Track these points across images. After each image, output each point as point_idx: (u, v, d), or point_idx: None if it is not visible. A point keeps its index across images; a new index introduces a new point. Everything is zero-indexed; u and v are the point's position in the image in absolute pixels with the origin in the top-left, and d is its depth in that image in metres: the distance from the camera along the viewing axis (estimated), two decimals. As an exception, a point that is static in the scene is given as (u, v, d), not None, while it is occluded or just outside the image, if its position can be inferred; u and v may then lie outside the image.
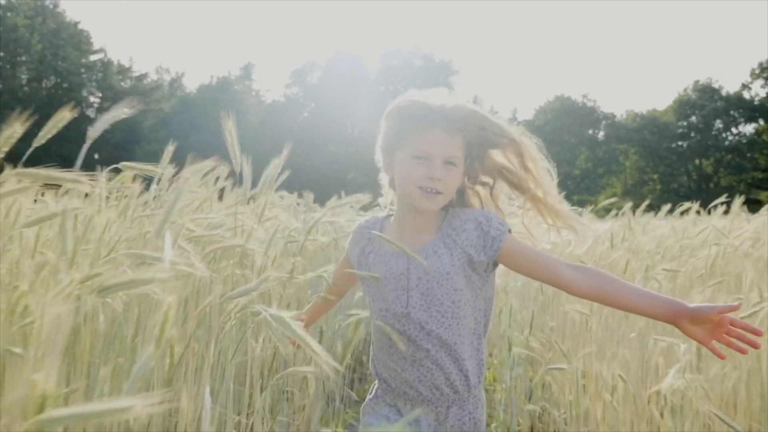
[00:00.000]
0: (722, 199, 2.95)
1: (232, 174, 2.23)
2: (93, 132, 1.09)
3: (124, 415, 0.43)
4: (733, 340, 0.94)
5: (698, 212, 3.10)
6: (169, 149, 1.80)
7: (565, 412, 1.69)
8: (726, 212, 3.15)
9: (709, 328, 0.95)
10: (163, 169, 1.34)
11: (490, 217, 1.10)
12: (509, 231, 1.10)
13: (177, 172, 1.83)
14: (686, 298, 1.60)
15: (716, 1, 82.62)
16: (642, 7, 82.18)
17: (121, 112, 1.03)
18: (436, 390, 1.08)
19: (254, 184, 1.74)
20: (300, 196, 3.37)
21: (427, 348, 1.08)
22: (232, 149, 1.34)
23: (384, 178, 1.20)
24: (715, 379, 1.23)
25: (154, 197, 1.82)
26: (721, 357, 0.98)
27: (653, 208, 3.83)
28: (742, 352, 0.94)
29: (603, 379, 1.43)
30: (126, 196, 1.28)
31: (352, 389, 2.64)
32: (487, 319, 1.14)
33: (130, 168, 1.18)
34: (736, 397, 1.26)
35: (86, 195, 1.23)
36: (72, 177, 0.75)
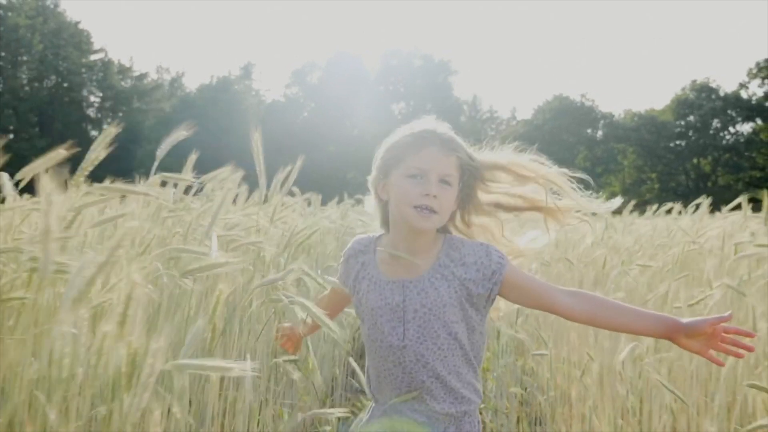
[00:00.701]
0: (702, 200, 3.11)
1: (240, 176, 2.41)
2: (160, 152, 1.28)
3: (227, 373, 0.61)
4: (729, 347, 0.99)
5: (680, 212, 3.28)
6: (192, 158, 1.99)
7: (545, 396, 1.87)
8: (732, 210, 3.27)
9: (704, 339, 1.00)
10: (190, 177, 1.51)
11: (490, 251, 1.10)
12: (508, 263, 1.10)
13: (197, 178, 2.01)
14: (656, 290, 1.79)
15: (714, 1, 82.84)
16: (640, 7, 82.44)
17: (179, 135, 1.24)
18: (430, 417, 1.09)
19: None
20: (300, 195, 3.56)
21: (422, 379, 1.08)
22: (258, 159, 1.52)
23: (371, 203, 1.20)
24: (674, 357, 1.42)
25: (175, 201, 2.01)
26: (720, 365, 1.02)
27: (647, 206, 3.97)
28: (739, 356, 1.00)
29: (576, 362, 1.61)
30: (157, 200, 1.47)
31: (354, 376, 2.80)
32: (481, 352, 1.14)
33: (169, 178, 1.36)
34: (692, 375, 1.44)
35: (123, 197, 1.39)
36: (142, 190, 0.93)
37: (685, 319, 1.03)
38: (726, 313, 1.00)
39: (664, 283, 1.75)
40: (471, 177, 1.13)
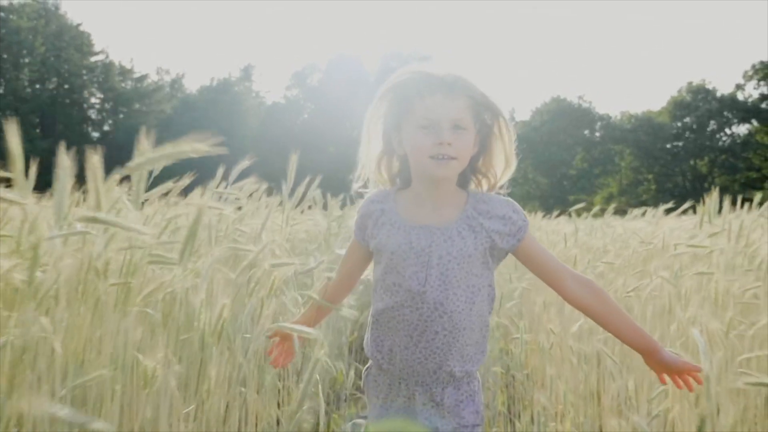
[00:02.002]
0: (679, 203, 3.41)
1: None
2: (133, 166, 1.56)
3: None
4: (680, 381, 1.08)
5: (652, 214, 3.61)
6: (220, 171, 2.29)
7: (521, 373, 2.21)
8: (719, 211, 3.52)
9: (668, 371, 1.08)
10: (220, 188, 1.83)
11: (516, 208, 1.10)
12: (528, 224, 1.11)
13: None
14: (614, 282, 2.12)
15: (710, 3, 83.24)
16: (636, 10, 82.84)
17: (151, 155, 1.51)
18: (434, 373, 1.07)
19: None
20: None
21: (436, 330, 1.06)
22: (290, 176, 1.75)
23: (368, 155, 1.15)
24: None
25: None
26: (663, 381, 1.10)
27: (643, 205, 4.23)
28: (690, 388, 1.09)
29: (541, 341, 1.94)
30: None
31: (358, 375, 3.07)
32: (491, 309, 1.14)
33: (219, 192, 1.65)
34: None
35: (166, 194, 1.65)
36: (215, 204, 1.26)
37: (666, 351, 1.09)
38: (698, 366, 1.08)
39: (620, 276, 2.08)
40: (490, 113, 1.10)
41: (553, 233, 3.26)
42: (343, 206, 3.73)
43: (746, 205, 2.68)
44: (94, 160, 0.94)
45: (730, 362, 1.25)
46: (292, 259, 1.25)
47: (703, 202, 1.93)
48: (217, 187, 1.82)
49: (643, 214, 3.83)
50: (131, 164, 0.96)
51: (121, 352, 0.93)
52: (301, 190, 2.09)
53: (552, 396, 1.79)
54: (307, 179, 2.08)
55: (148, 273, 1.11)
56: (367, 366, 1.17)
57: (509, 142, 1.13)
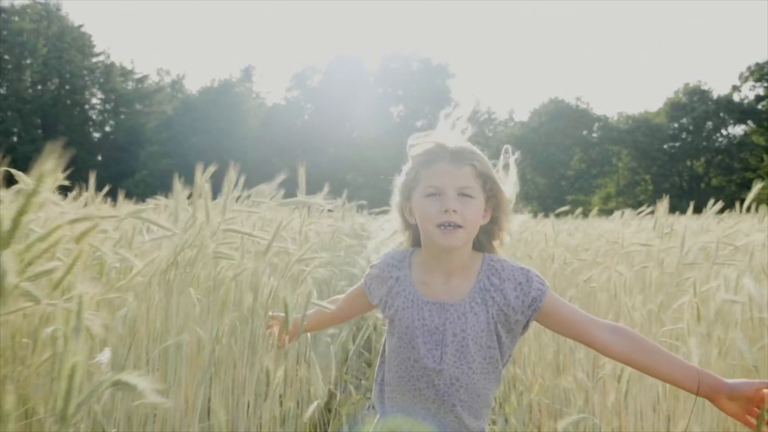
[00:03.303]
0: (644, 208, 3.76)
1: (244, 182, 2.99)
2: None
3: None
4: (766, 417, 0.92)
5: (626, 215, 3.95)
6: (232, 175, 2.62)
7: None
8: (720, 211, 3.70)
9: (744, 402, 0.94)
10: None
11: (531, 277, 1.06)
12: (548, 290, 1.07)
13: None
14: (581, 274, 2.46)
15: (706, 5, 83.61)
16: (633, 13, 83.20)
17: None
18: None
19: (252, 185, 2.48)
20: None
21: (454, 403, 1.06)
22: (301, 185, 2.07)
23: (395, 221, 1.17)
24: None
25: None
26: (754, 429, 0.94)
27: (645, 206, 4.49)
28: None
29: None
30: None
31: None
32: (504, 370, 1.12)
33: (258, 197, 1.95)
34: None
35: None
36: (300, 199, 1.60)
37: (729, 380, 0.96)
38: None
39: (588, 269, 2.43)
40: (494, 185, 1.08)
41: (538, 233, 3.61)
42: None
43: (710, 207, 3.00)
44: (231, 175, 1.28)
45: (658, 335, 1.59)
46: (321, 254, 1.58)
47: (657, 206, 2.28)
48: (232, 191, 2.15)
49: (622, 215, 4.17)
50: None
51: (196, 322, 1.29)
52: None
53: (526, 369, 2.13)
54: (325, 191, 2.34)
55: (215, 264, 1.47)
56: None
57: (507, 211, 1.12)
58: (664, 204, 2.20)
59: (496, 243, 1.13)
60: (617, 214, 4.31)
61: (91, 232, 0.91)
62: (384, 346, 1.16)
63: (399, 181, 1.13)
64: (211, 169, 1.78)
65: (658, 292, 1.72)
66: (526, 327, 1.08)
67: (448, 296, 1.07)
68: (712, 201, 2.60)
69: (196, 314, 1.31)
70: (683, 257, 1.79)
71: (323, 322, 1.35)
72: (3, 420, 0.63)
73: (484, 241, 1.12)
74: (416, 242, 1.15)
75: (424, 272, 1.10)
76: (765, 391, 0.93)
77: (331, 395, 2.36)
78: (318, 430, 2.14)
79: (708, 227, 2.61)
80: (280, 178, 2.12)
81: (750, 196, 2.37)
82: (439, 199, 1.03)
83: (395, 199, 1.14)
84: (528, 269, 1.08)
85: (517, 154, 1.15)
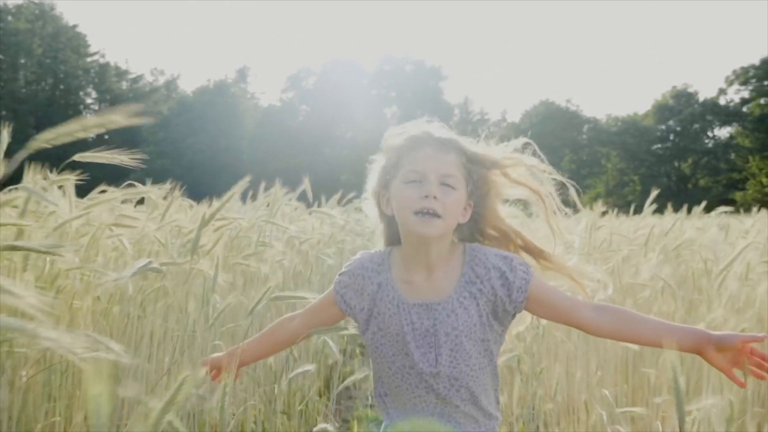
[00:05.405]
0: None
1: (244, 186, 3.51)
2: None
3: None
4: (752, 368, 0.94)
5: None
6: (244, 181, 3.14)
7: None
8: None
9: (731, 355, 0.94)
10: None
11: (514, 265, 1.03)
12: (532, 276, 1.03)
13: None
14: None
15: (693, 9, 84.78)
16: (623, 18, 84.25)
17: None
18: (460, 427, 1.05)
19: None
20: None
21: (457, 404, 1.03)
22: (308, 189, 2.59)
23: (372, 214, 1.12)
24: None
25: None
26: (742, 386, 0.96)
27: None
28: (761, 377, 0.95)
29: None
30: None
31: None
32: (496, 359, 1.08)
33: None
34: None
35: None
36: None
37: (716, 332, 0.97)
38: (761, 334, 0.96)
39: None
40: (480, 179, 1.05)
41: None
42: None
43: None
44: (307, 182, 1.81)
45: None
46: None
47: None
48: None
49: (604, 213, 4.67)
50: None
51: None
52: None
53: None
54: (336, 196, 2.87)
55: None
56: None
57: (527, 176, 1.08)
58: (598, 206, 2.74)
59: (491, 232, 1.09)
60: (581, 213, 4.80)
61: (225, 226, 1.43)
62: (371, 362, 1.11)
63: (377, 165, 1.09)
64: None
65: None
66: (514, 316, 1.06)
67: (434, 294, 1.03)
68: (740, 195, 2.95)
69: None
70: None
71: (278, 343, 1.20)
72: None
73: (474, 233, 1.09)
74: (390, 240, 1.11)
75: (405, 270, 1.06)
76: (749, 345, 0.94)
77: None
78: (329, 383, 2.66)
79: (639, 225, 3.13)
80: (300, 188, 2.62)
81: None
82: (420, 186, 1.00)
83: (371, 185, 1.10)
84: (511, 256, 1.05)
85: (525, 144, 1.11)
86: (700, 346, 0.96)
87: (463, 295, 1.02)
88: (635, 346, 1.79)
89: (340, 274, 1.12)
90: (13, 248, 0.90)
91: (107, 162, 1.13)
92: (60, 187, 1.24)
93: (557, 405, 1.88)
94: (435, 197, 0.99)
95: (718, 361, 0.96)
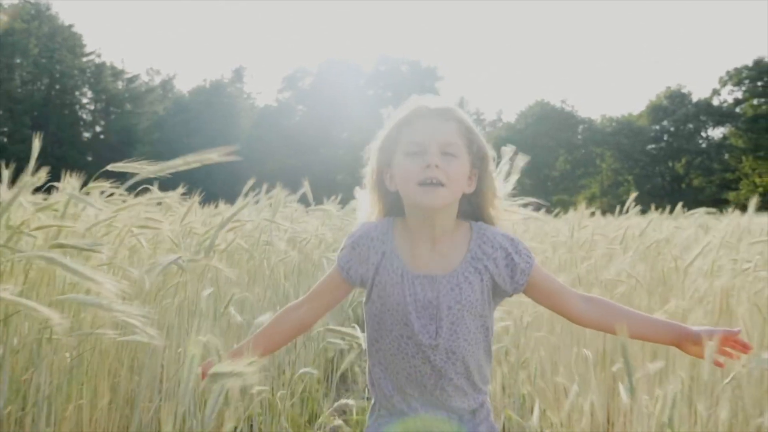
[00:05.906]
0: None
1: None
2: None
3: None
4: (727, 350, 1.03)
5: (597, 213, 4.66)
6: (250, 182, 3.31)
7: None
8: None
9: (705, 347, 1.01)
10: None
11: (519, 248, 1.05)
12: (534, 262, 1.06)
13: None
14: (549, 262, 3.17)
15: (687, 10, 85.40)
16: (617, 19, 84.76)
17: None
18: (451, 413, 1.06)
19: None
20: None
21: (451, 376, 1.04)
22: (308, 192, 2.76)
23: (366, 197, 1.12)
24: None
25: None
26: (720, 366, 1.06)
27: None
28: (720, 365, 1.06)
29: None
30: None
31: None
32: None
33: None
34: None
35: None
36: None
37: (694, 327, 1.04)
38: (735, 329, 1.03)
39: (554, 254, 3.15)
40: (480, 149, 1.05)
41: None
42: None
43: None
44: (307, 185, 1.98)
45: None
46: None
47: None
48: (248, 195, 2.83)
49: (592, 214, 4.84)
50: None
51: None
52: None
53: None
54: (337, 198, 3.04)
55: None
56: (372, 405, 1.14)
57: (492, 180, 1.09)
58: (581, 207, 2.93)
59: (492, 211, 1.09)
60: (569, 214, 4.94)
61: (235, 228, 1.61)
62: (366, 333, 1.11)
63: (375, 145, 1.08)
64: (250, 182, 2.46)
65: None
66: (508, 296, 1.08)
67: (438, 267, 1.04)
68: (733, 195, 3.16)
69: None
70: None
71: (287, 334, 1.17)
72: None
73: (477, 211, 1.09)
74: (389, 212, 1.10)
75: (409, 241, 1.06)
76: (731, 342, 1.03)
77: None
78: (333, 364, 2.83)
79: (621, 225, 3.31)
80: (301, 190, 2.78)
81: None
82: (421, 156, 1.00)
83: (371, 166, 1.09)
84: (516, 239, 1.06)
85: (510, 151, 1.16)
86: (680, 342, 1.05)
87: (468, 270, 1.03)
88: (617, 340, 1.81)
89: (341, 249, 1.12)
90: (61, 246, 1.05)
91: (135, 172, 1.22)
92: (87, 193, 1.39)
93: (537, 388, 2.07)
94: (437, 166, 0.99)
95: (694, 352, 1.04)
